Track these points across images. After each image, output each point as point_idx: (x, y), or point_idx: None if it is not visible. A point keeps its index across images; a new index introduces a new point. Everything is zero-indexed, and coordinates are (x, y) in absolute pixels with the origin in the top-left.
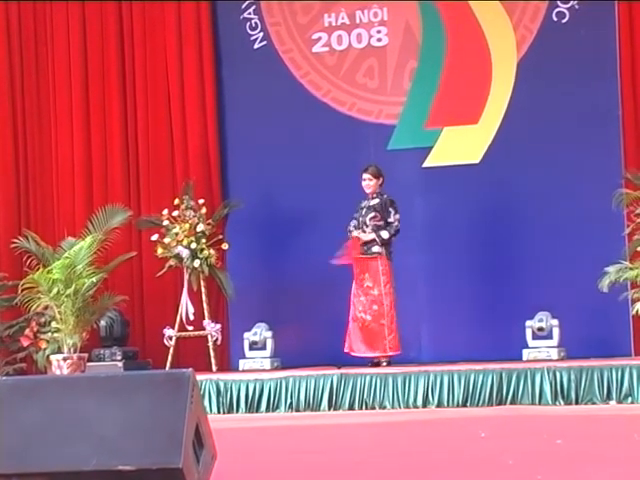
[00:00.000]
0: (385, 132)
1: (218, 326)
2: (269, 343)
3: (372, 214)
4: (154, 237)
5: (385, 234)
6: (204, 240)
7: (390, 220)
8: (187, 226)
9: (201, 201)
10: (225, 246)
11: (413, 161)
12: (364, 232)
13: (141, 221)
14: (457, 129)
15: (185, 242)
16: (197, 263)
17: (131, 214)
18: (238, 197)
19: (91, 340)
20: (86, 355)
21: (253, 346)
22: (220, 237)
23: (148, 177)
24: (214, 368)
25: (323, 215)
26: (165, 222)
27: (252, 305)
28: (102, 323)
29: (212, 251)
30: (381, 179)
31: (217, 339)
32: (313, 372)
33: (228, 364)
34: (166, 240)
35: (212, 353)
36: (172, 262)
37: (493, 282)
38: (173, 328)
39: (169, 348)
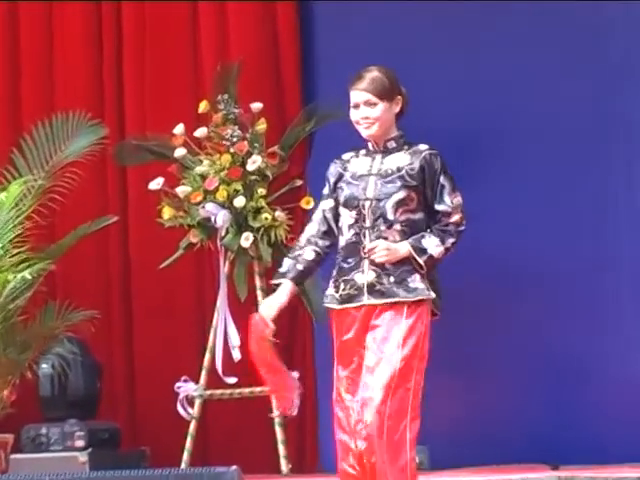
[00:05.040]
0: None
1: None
2: None
3: (401, 194)
4: (154, 184)
5: (434, 246)
6: (263, 190)
7: (442, 208)
8: (227, 159)
9: (257, 105)
10: (308, 203)
11: None
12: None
13: (126, 148)
14: None
15: (222, 194)
16: (247, 240)
17: (107, 134)
18: (335, 99)
19: (22, 404)
20: (11, 437)
21: None
22: (297, 184)
23: (143, 58)
24: (284, 468)
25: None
26: (179, 151)
27: None
28: (43, 368)
29: (281, 214)
30: (398, 100)
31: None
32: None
33: (315, 457)
34: (181, 190)
35: (281, 435)
36: (193, 237)
37: None
38: (196, 381)
39: (188, 423)
